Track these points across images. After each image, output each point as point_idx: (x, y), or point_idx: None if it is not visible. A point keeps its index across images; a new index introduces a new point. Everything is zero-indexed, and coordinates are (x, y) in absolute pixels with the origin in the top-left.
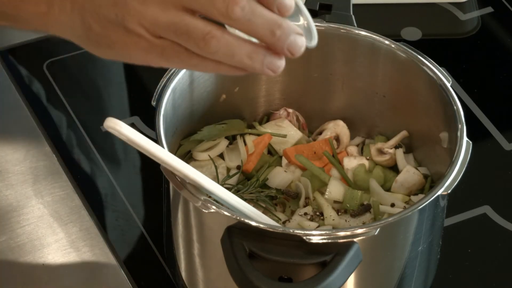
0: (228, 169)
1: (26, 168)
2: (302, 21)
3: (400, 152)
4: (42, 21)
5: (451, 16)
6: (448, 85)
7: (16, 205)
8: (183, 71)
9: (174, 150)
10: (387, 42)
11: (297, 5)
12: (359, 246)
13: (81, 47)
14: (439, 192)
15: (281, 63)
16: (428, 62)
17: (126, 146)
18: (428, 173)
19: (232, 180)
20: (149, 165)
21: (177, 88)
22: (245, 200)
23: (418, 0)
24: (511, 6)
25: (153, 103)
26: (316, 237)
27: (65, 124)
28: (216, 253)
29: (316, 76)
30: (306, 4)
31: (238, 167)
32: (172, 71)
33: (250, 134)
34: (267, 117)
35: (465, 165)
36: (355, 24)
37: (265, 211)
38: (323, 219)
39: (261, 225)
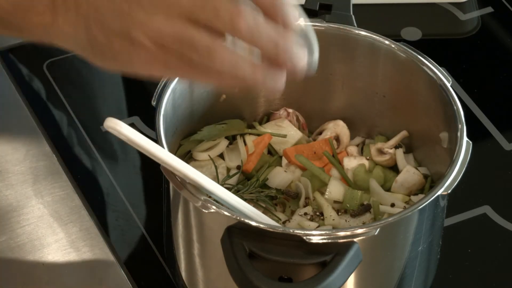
0: (228, 169)
1: (26, 168)
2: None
3: (400, 152)
4: (46, 31)
5: (451, 16)
6: (448, 85)
7: (16, 205)
8: None
9: (174, 150)
10: (387, 42)
11: (300, 25)
12: (359, 246)
13: None
14: (439, 192)
15: (283, 78)
16: (428, 62)
17: (126, 146)
18: (428, 173)
19: (232, 180)
20: (149, 165)
21: (177, 88)
22: (245, 200)
23: (418, 0)
24: (511, 6)
25: (153, 103)
26: (316, 237)
27: (65, 124)
28: (216, 253)
29: (316, 76)
30: (306, 4)
31: (238, 167)
32: None
33: (250, 134)
34: (267, 117)
35: (465, 165)
36: (355, 24)
37: (265, 211)
38: (323, 219)
39: (261, 225)
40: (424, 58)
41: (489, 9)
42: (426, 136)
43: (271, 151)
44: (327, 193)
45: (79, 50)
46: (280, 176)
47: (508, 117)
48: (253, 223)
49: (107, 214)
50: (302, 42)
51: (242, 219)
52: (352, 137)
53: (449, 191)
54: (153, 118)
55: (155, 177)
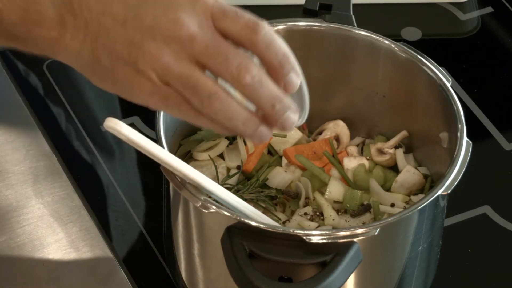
0: (228, 169)
1: (26, 168)
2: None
3: (400, 152)
4: (51, 46)
5: (451, 16)
6: (448, 85)
7: (16, 205)
8: None
9: (174, 150)
10: (387, 42)
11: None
12: (359, 246)
13: None
14: (439, 192)
15: (270, 134)
16: (428, 62)
17: (126, 146)
18: (428, 173)
19: (232, 180)
20: (149, 165)
21: None
22: (245, 200)
23: (418, 0)
24: (511, 6)
25: None
26: (316, 237)
27: (65, 124)
28: (216, 253)
29: (316, 76)
30: (306, 4)
31: (238, 167)
32: None
33: None
34: None
35: (465, 165)
36: (355, 24)
37: (265, 211)
38: (323, 219)
39: (261, 225)
40: (424, 58)
41: (489, 9)
42: (426, 136)
43: (271, 151)
44: (327, 193)
45: (81, 68)
46: (280, 176)
47: (508, 117)
48: (253, 223)
49: (107, 214)
50: (296, 104)
51: (242, 219)
52: (352, 137)
53: (449, 191)
54: (153, 118)
55: (155, 177)
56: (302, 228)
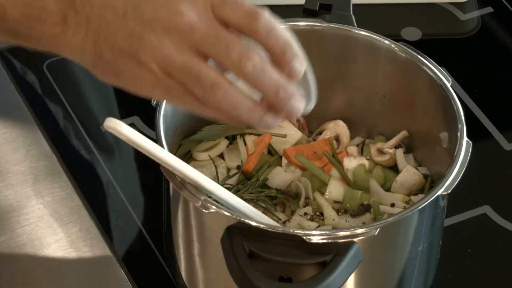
0: (228, 169)
1: (26, 168)
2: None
3: (400, 152)
4: (54, 42)
5: (451, 16)
6: (448, 85)
7: (16, 205)
8: None
9: (174, 150)
10: (387, 42)
11: (305, 72)
12: (359, 246)
13: None
14: (439, 192)
15: (276, 123)
16: (428, 62)
17: (126, 146)
18: (428, 173)
19: (232, 180)
20: (149, 165)
21: None
22: (245, 200)
23: (418, 0)
24: (511, 6)
25: (153, 103)
26: (316, 237)
27: (65, 124)
28: (216, 253)
29: (316, 76)
30: (306, 4)
31: (238, 167)
32: None
33: (250, 134)
34: None
35: (465, 165)
36: (355, 24)
37: (265, 211)
38: (323, 219)
39: (261, 225)
40: (424, 58)
41: (489, 9)
42: (426, 136)
43: (271, 151)
44: (327, 193)
45: (84, 63)
46: (280, 176)
47: (508, 117)
48: (253, 223)
49: (107, 214)
50: (302, 90)
51: (242, 219)
52: (352, 137)
53: (449, 191)
54: (153, 118)
55: (155, 177)
56: (302, 228)
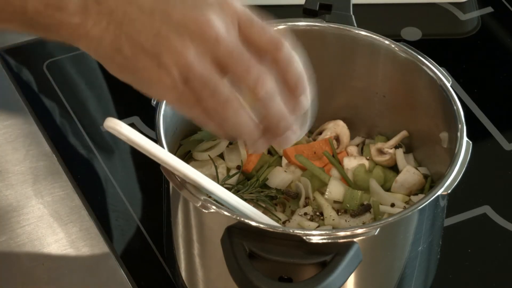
0: (228, 169)
1: (26, 168)
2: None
3: (400, 152)
4: (73, 32)
5: (451, 16)
6: (448, 85)
7: (16, 205)
8: None
9: (174, 150)
10: (387, 42)
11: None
12: (359, 246)
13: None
14: (439, 192)
15: (265, 148)
16: (428, 62)
17: (126, 146)
18: (428, 173)
19: (232, 180)
20: (149, 165)
21: None
22: (245, 200)
23: (418, 0)
24: (511, 6)
25: (153, 103)
26: (316, 237)
27: (65, 124)
28: (216, 253)
29: (316, 76)
30: (306, 4)
31: (238, 167)
32: None
33: None
34: None
35: (465, 165)
36: (355, 24)
37: (265, 211)
38: (323, 219)
39: (261, 225)
40: (424, 58)
41: (489, 9)
42: (426, 136)
43: (271, 151)
44: (327, 193)
45: (99, 56)
46: (280, 176)
47: (508, 117)
48: (253, 223)
49: (107, 214)
50: (300, 121)
51: (242, 219)
52: (352, 137)
53: (449, 191)
54: (153, 118)
55: (155, 177)
56: (302, 228)
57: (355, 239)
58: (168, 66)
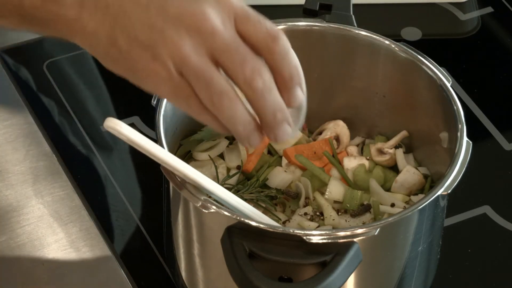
0: (228, 169)
1: (26, 168)
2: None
3: (400, 152)
4: (69, 26)
5: (451, 16)
6: (448, 85)
7: (16, 205)
8: None
9: (174, 150)
10: (387, 42)
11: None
12: (359, 246)
13: (80, 47)
14: (439, 192)
15: (259, 142)
16: (428, 62)
17: (126, 146)
18: (428, 173)
19: (232, 180)
20: (149, 165)
21: None
22: (245, 200)
23: (418, 0)
24: (511, 6)
25: (153, 103)
26: (316, 237)
27: (65, 124)
28: (216, 253)
29: (316, 76)
30: (306, 4)
31: (238, 167)
32: None
33: None
34: None
35: (465, 165)
36: (355, 24)
37: (265, 211)
38: (323, 219)
39: (261, 225)
40: (424, 58)
41: (489, 9)
42: (426, 136)
43: (271, 151)
44: (327, 193)
45: (95, 50)
46: (280, 176)
47: (508, 117)
48: (253, 223)
49: (107, 214)
50: (293, 117)
51: (242, 219)
52: (352, 137)
53: (449, 191)
54: (153, 118)
55: (155, 177)
56: (302, 228)
57: (355, 239)
58: (163, 58)
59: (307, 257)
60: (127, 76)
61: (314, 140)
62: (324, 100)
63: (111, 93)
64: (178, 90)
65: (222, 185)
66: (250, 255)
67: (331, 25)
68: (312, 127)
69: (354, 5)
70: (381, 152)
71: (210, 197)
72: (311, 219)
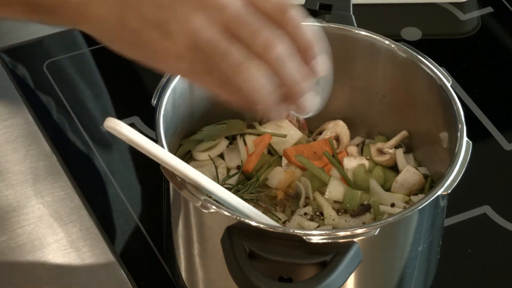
0: (228, 169)
1: (26, 168)
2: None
3: (400, 152)
4: (76, 12)
5: (451, 16)
6: (448, 85)
7: (16, 205)
8: None
9: (174, 150)
10: (387, 42)
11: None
12: (359, 246)
13: (80, 48)
14: (439, 192)
15: (286, 113)
16: (428, 62)
17: (126, 146)
18: (428, 173)
19: (232, 180)
20: (149, 165)
21: (177, 88)
22: (245, 200)
23: (418, 0)
24: (511, 6)
25: (153, 103)
26: (316, 237)
27: (65, 124)
28: (216, 253)
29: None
30: (306, 4)
31: (238, 167)
32: None
33: (250, 134)
34: None
35: (465, 165)
36: (355, 24)
37: (265, 211)
38: (323, 219)
39: (261, 225)
40: (424, 58)
41: (489, 9)
42: (426, 136)
43: (271, 151)
44: (327, 193)
45: (104, 35)
46: (280, 176)
47: (508, 117)
48: (253, 223)
49: (107, 214)
50: (317, 89)
51: (242, 219)
52: (352, 137)
53: (449, 191)
54: (153, 118)
55: (155, 177)
56: (302, 228)
57: (355, 239)
58: (175, 35)
59: (307, 257)
60: (140, 58)
61: (314, 140)
62: None
63: (111, 93)
64: (193, 67)
65: (222, 185)
66: (250, 255)
67: (331, 25)
68: (312, 127)
69: (354, 5)
70: (381, 152)
71: (210, 197)
72: (311, 219)
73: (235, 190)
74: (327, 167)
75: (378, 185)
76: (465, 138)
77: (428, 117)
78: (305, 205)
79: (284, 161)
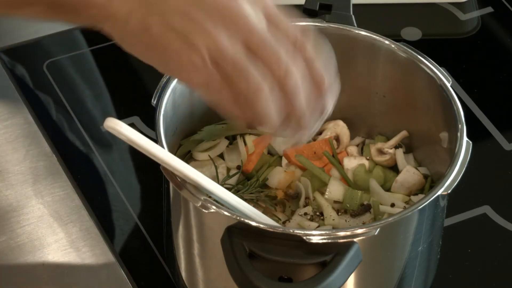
0: (228, 169)
1: (26, 168)
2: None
3: (400, 152)
4: (99, 12)
5: (451, 16)
6: (448, 85)
7: (16, 205)
8: None
9: (174, 150)
10: (387, 42)
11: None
12: (359, 246)
13: (80, 48)
14: (439, 192)
15: (285, 135)
16: (428, 62)
17: (126, 146)
18: (428, 173)
19: (232, 180)
20: (149, 165)
21: (177, 88)
22: (245, 200)
23: (418, 0)
24: (511, 6)
25: (153, 103)
26: (316, 237)
27: (65, 124)
28: (216, 253)
29: None
30: (306, 4)
31: (238, 167)
32: None
33: (250, 134)
34: None
35: (465, 165)
36: (355, 24)
37: (265, 211)
38: (323, 219)
39: (261, 225)
40: (424, 58)
41: (489, 9)
42: (426, 136)
43: (271, 151)
44: (327, 193)
45: (124, 36)
46: (280, 176)
47: (508, 117)
48: (253, 223)
49: (107, 214)
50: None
51: (242, 219)
52: (352, 137)
53: (449, 191)
54: (153, 118)
55: (155, 177)
56: (302, 228)
57: (355, 239)
58: (199, 47)
59: (307, 257)
60: (158, 64)
61: (314, 140)
62: None
63: (111, 93)
64: (211, 81)
65: (222, 185)
66: (250, 255)
67: (331, 25)
68: None
69: (354, 5)
70: (381, 152)
71: (210, 197)
72: (311, 219)
73: (235, 190)
74: (327, 167)
75: (378, 185)
76: (465, 138)
77: (428, 117)
78: (305, 205)
79: (284, 161)
